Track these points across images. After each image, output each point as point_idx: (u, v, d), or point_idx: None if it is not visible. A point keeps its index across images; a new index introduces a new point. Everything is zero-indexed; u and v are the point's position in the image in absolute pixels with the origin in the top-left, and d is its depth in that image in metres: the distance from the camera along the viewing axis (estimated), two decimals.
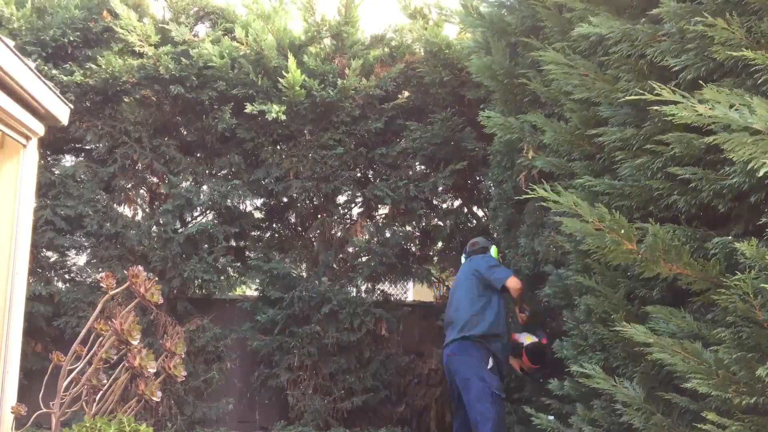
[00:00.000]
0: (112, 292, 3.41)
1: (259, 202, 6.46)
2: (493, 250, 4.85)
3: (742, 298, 2.17)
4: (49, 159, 6.00)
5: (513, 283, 4.48)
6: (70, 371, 3.31)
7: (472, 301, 4.51)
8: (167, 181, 6.05)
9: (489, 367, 4.36)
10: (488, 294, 4.53)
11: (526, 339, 4.63)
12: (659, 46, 2.83)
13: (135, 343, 3.26)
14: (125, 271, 3.42)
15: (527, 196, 2.91)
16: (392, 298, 6.43)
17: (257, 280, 6.14)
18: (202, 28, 6.33)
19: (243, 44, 5.97)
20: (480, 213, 6.52)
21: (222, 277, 6.04)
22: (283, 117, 5.79)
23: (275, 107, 5.74)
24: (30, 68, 3.37)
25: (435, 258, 6.63)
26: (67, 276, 6.03)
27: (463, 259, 4.91)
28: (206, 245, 5.96)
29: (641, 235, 2.56)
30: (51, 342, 5.53)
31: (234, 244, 6.36)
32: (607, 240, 2.57)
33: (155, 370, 3.32)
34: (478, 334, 4.40)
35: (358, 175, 6.38)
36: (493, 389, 4.27)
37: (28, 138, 3.71)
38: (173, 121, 6.11)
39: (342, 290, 5.98)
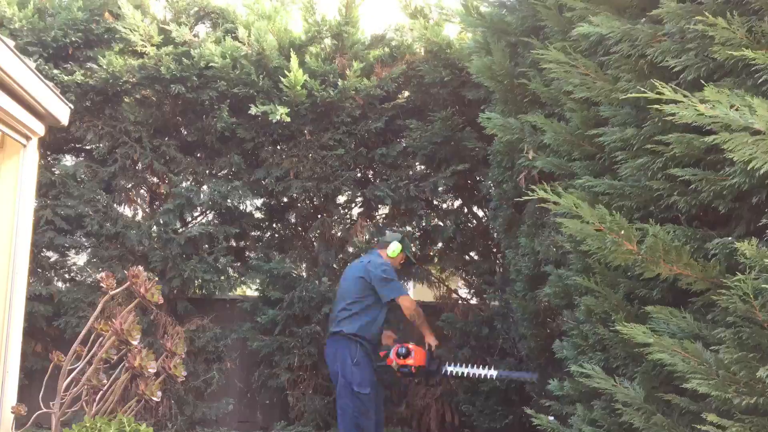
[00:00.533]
0: (112, 292, 3.41)
1: (259, 202, 6.46)
2: (395, 248, 4.87)
3: (743, 298, 2.17)
4: (49, 159, 6.01)
5: (405, 301, 4.64)
6: (70, 371, 3.31)
7: (353, 299, 4.69)
8: (167, 181, 6.06)
9: (354, 362, 4.54)
10: (370, 299, 4.68)
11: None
12: (660, 46, 2.83)
13: (135, 343, 3.27)
14: (125, 271, 3.43)
15: (527, 197, 2.90)
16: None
17: (257, 280, 6.14)
18: (203, 29, 6.34)
19: (244, 44, 5.97)
20: (480, 213, 6.51)
21: (222, 277, 6.04)
22: (288, 119, 5.78)
23: (280, 109, 5.72)
24: (30, 68, 3.37)
25: (435, 258, 6.62)
26: (67, 276, 6.04)
27: None
28: (206, 245, 5.96)
29: (641, 235, 2.56)
30: (51, 342, 5.54)
31: (234, 244, 6.37)
32: (608, 241, 2.57)
33: (155, 370, 3.32)
34: (348, 332, 4.62)
35: (359, 175, 6.38)
36: (354, 385, 4.50)
37: (28, 138, 3.72)
38: (174, 121, 6.11)
39: None
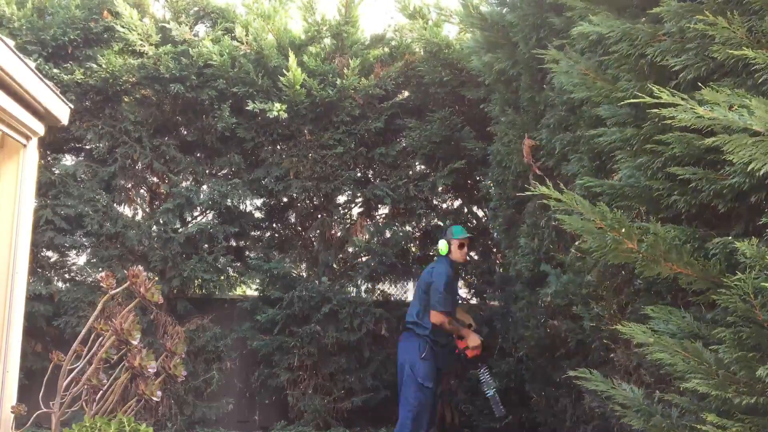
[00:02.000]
0: (112, 292, 3.41)
1: (259, 201, 6.46)
2: (442, 247, 5.14)
3: (743, 297, 2.17)
4: (49, 159, 6.00)
5: (434, 318, 4.90)
6: (70, 371, 3.31)
7: (420, 300, 5.05)
8: (167, 180, 6.06)
9: (423, 356, 4.88)
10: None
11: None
12: (659, 45, 2.83)
13: (135, 342, 3.27)
14: (125, 271, 3.43)
15: (529, 193, 2.90)
16: (392, 298, 6.43)
17: (257, 280, 6.14)
18: (202, 28, 6.34)
19: (243, 43, 5.98)
20: (480, 213, 6.52)
21: (222, 277, 6.04)
22: (285, 115, 5.80)
23: (277, 105, 5.75)
24: (30, 68, 3.37)
25: (435, 258, 6.61)
26: (67, 276, 6.03)
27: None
28: (206, 245, 5.96)
29: (642, 234, 2.56)
30: (51, 342, 5.53)
31: (234, 243, 6.37)
32: (608, 239, 2.57)
33: (155, 370, 3.32)
34: (420, 333, 4.96)
35: (358, 174, 6.38)
36: (419, 378, 4.83)
37: (28, 138, 3.71)
38: (173, 120, 6.11)
39: (342, 290, 5.98)
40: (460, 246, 5.16)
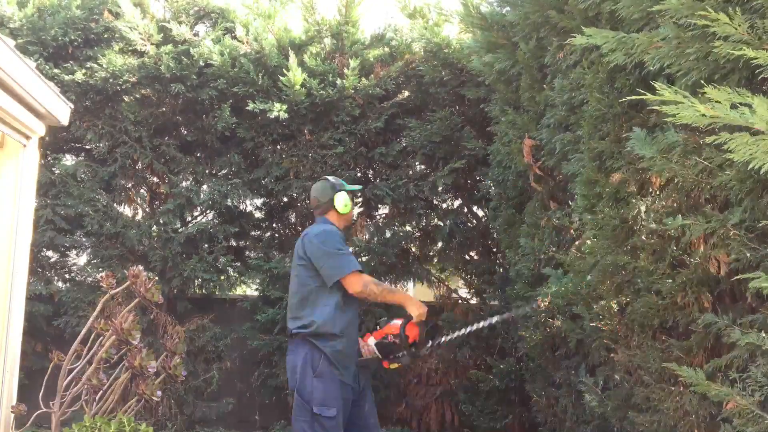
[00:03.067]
0: (112, 292, 3.42)
1: (259, 201, 6.46)
2: (341, 200, 3.57)
3: None
4: (49, 158, 6.00)
5: (352, 285, 3.38)
6: (70, 371, 3.31)
7: (299, 288, 3.46)
8: (167, 180, 6.05)
9: (315, 373, 3.28)
10: (320, 280, 3.41)
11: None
12: (657, 52, 2.79)
13: (135, 342, 3.27)
14: (125, 271, 3.43)
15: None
16: None
17: (257, 280, 6.14)
18: (203, 28, 6.34)
19: (243, 43, 5.98)
20: (480, 213, 6.52)
21: (222, 277, 6.04)
22: (285, 115, 5.80)
23: (277, 105, 5.75)
24: (30, 68, 3.37)
25: (435, 258, 6.63)
26: (67, 275, 6.03)
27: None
28: (206, 245, 5.96)
29: None
30: (51, 341, 5.53)
31: (234, 243, 6.37)
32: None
33: (155, 370, 3.33)
34: (306, 332, 3.36)
35: (358, 174, 6.38)
36: (314, 405, 3.23)
37: (28, 138, 3.72)
38: (173, 120, 6.11)
39: None
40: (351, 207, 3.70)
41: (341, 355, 3.37)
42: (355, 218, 6.34)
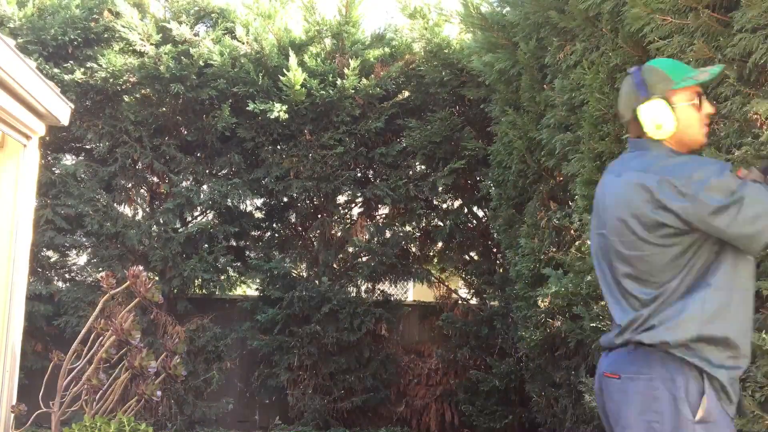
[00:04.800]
0: (112, 292, 3.42)
1: (259, 201, 6.46)
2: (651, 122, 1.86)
3: None
4: (49, 158, 6.00)
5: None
6: (70, 370, 3.31)
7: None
8: (167, 180, 6.06)
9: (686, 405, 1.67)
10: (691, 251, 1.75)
11: None
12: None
13: (135, 342, 3.27)
14: (125, 271, 3.43)
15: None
16: (392, 298, 6.43)
17: (257, 280, 6.14)
18: (203, 28, 6.33)
19: (244, 43, 5.98)
20: (480, 213, 6.52)
21: (222, 277, 6.04)
22: (285, 115, 5.80)
23: (278, 106, 5.75)
24: (31, 68, 3.37)
25: (435, 258, 6.63)
26: (67, 275, 6.04)
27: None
28: (206, 245, 5.96)
29: None
30: (51, 341, 5.54)
31: (234, 243, 6.37)
32: None
33: (155, 370, 3.33)
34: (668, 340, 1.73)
35: (358, 174, 6.38)
36: None
37: (28, 137, 3.72)
38: (173, 120, 6.11)
39: (342, 290, 5.97)
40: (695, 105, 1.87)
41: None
42: (355, 219, 6.32)
